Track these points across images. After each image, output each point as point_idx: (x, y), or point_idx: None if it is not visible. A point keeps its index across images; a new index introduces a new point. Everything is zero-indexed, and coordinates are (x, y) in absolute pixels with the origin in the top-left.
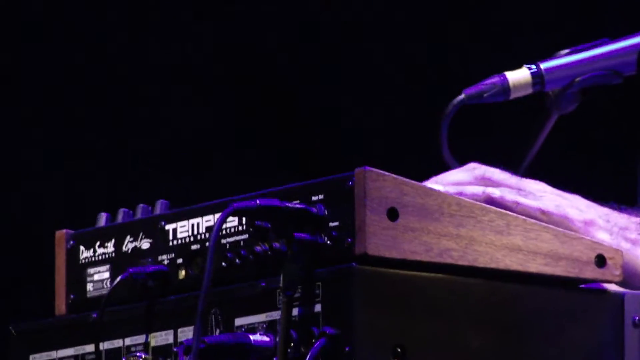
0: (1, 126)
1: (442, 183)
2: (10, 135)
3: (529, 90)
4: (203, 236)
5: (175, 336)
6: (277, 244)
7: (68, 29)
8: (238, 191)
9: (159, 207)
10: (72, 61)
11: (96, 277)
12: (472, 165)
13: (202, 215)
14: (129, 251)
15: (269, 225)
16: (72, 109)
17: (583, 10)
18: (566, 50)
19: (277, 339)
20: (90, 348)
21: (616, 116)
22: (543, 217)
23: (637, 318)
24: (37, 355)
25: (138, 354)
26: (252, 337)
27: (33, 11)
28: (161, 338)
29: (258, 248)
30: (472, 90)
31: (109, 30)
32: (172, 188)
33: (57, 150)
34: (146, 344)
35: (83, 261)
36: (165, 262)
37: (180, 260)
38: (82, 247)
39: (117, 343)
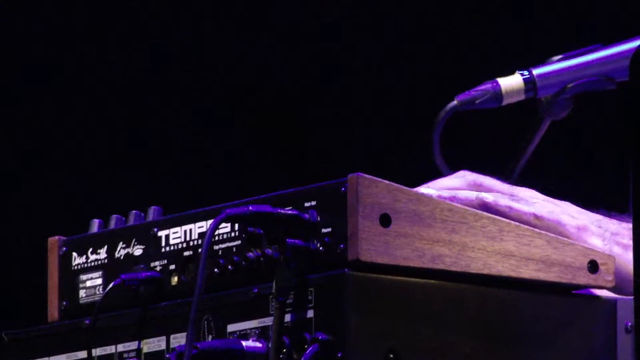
0: None
1: (435, 189)
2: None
3: (522, 97)
4: (196, 242)
5: (168, 342)
6: (269, 250)
7: (68, 30)
8: (231, 197)
9: (151, 213)
10: (64, 67)
11: (89, 283)
12: (463, 172)
13: (194, 221)
14: (122, 257)
15: (262, 231)
16: (64, 115)
17: (576, 15)
18: (559, 56)
19: (270, 345)
20: (82, 354)
21: (607, 122)
22: (536, 222)
23: (629, 324)
24: None
25: None
26: (244, 343)
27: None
28: (154, 344)
29: (250, 254)
30: (465, 96)
31: (107, 36)
32: (165, 194)
33: (49, 157)
34: (139, 351)
35: (75, 267)
36: (158, 268)
37: (172, 267)
38: (74, 254)
39: (110, 349)
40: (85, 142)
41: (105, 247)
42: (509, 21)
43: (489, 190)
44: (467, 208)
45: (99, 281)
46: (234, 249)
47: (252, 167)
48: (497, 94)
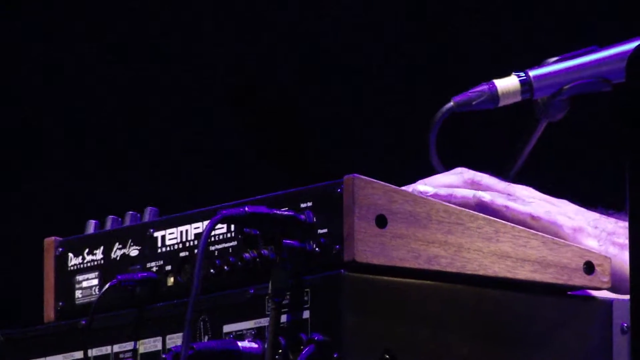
0: None
1: (433, 185)
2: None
3: (518, 98)
4: (192, 243)
5: (164, 343)
6: (265, 251)
7: (65, 31)
8: (230, 198)
9: (147, 214)
10: (63, 67)
11: (85, 284)
12: (460, 169)
13: (190, 222)
14: (118, 258)
15: (258, 232)
16: (64, 116)
17: (574, 17)
18: (555, 58)
19: (266, 346)
20: (78, 355)
21: (604, 122)
22: (533, 222)
23: (625, 325)
24: None
25: None
26: (240, 343)
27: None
28: (150, 345)
29: (247, 255)
30: (461, 97)
31: (109, 38)
32: (161, 195)
33: (46, 158)
34: (135, 351)
35: (72, 268)
36: (154, 269)
37: (169, 268)
38: (70, 254)
39: (106, 350)
40: (82, 143)
41: (102, 247)
42: (509, 21)
43: (486, 188)
44: (463, 209)
45: (95, 282)
46: (230, 250)
47: (251, 167)
48: (494, 95)
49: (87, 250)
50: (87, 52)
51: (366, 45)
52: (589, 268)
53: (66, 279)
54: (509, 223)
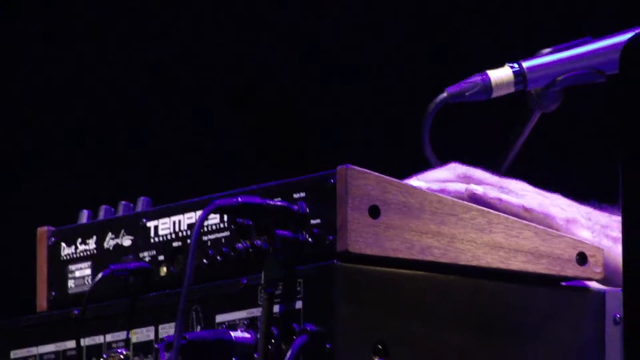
0: None
1: (425, 181)
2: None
3: (511, 89)
4: (185, 233)
5: (157, 333)
6: (258, 241)
7: (63, 30)
8: (220, 189)
9: (140, 204)
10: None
11: (77, 273)
12: (453, 165)
13: (183, 212)
14: (111, 248)
15: (251, 222)
16: (57, 106)
17: (566, 8)
18: (548, 49)
19: (258, 336)
20: (71, 344)
21: (597, 114)
22: (526, 214)
23: (618, 316)
24: (17, 351)
25: (119, 350)
26: (233, 333)
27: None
28: (142, 334)
29: (239, 245)
30: (455, 88)
31: (106, 34)
32: (154, 185)
33: (38, 148)
34: (127, 341)
35: (64, 258)
36: (147, 259)
37: (161, 257)
38: (63, 244)
39: (98, 339)
40: (75, 133)
41: (94, 237)
42: (508, 21)
43: (478, 182)
44: (457, 200)
45: (88, 271)
46: (223, 240)
47: (251, 167)
48: (487, 86)
49: (79, 240)
50: (87, 52)
51: (366, 45)
52: (582, 259)
53: (59, 269)
54: (502, 214)
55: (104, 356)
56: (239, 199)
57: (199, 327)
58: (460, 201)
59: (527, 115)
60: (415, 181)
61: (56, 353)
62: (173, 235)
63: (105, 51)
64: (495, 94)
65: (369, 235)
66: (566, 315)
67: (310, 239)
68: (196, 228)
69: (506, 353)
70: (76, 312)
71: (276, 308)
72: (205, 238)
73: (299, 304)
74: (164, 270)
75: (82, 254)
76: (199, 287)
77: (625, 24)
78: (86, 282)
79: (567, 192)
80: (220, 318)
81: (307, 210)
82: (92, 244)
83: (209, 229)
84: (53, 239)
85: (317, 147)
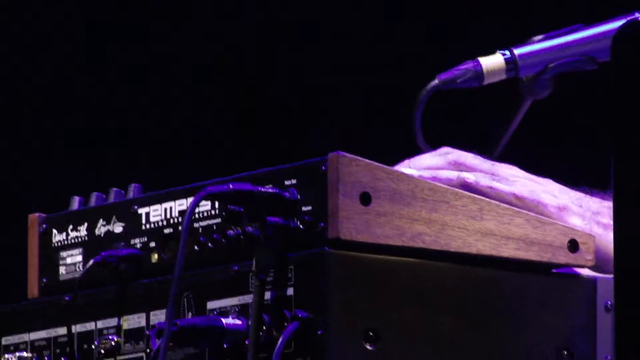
0: None
1: (416, 167)
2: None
3: (503, 76)
4: (176, 220)
5: (148, 319)
6: (249, 228)
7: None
8: (211, 175)
9: (132, 190)
10: (53, 54)
11: (69, 260)
12: (444, 149)
13: (175, 199)
14: (102, 235)
15: (242, 209)
16: (48, 95)
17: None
18: (540, 36)
19: (250, 323)
20: (62, 331)
21: (589, 100)
22: (517, 202)
23: (609, 303)
24: (9, 338)
25: (110, 337)
26: (224, 320)
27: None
28: (133, 321)
29: (231, 232)
30: (446, 75)
31: (106, 28)
32: (145, 172)
33: (30, 135)
34: (118, 327)
35: (56, 244)
36: (138, 245)
37: (153, 244)
38: (54, 231)
39: (89, 326)
40: (67, 120)
41: (86, 224)
42: (508, 21)
43: (470, 169)
44: (448, 187)
45: (79, 258)
46: (214, 227)
47: (242, 155)
48: (478, 73)
49: (71, 226)
50: (75, 51)
51: (356, 28)
52: (573, 246)
53: (50, 255)
54: (493, 201)
55: (95, 343)
56: (230, 186)
57: (190, 314)
58: (452, 188)
59: (519, 102)
60: (407, 169)
61: (47, 339)
62: (164, 222)
63: (104, 49)
64: (486, 81)
65: (360, 222)
66: (557, 303)
67: (301, 226)
68: (187, 215)
69: (497, 340)
70: (67, 298)
71: (267, 295)
72: (196, 225)
73: (290, 291)
74: (155, 256)
75: (73, 241)
76: (190, 274)
77: (617, 11)
78: (77, 269)
79: (559, 177)
80: (211, 305)
81: (298, 197)
82: (83, 230)
83: (200, 215)
84: (44, 225)
85: (307, 133)
